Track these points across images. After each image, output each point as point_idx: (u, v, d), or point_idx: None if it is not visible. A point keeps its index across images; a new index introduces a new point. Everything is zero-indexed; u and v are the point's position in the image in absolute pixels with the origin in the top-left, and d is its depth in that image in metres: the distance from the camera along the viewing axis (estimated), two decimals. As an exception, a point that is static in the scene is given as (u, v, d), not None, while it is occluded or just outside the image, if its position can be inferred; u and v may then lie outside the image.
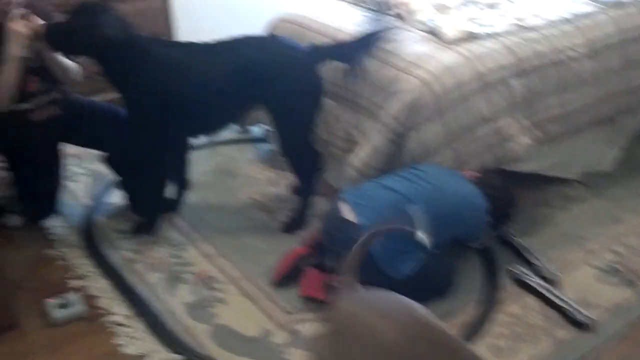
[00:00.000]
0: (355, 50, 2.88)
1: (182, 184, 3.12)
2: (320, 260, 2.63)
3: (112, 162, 3.10)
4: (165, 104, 2.71)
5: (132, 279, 2.72)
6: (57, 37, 2.65)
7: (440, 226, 2.51)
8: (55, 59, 2.82)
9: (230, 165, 3.54)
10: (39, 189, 3.02)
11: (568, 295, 2.60)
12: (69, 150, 3.41)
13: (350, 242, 2.40)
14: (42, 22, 2.67)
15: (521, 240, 2.88)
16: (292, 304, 2.58)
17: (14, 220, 3.04)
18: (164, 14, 4.17)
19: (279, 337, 2.43)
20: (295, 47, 2.84)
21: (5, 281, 2.60)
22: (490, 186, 2.71)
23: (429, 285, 2.53)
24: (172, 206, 3.11)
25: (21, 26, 2.63)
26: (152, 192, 2.98)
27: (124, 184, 3.09)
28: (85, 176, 3.42)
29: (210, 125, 2.93)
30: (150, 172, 2.91)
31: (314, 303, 2.56)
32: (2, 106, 2.70)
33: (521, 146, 2.99)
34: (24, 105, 2.80)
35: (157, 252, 2.88)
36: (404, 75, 2.86)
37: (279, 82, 2.73)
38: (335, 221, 2.53)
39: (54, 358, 2.37)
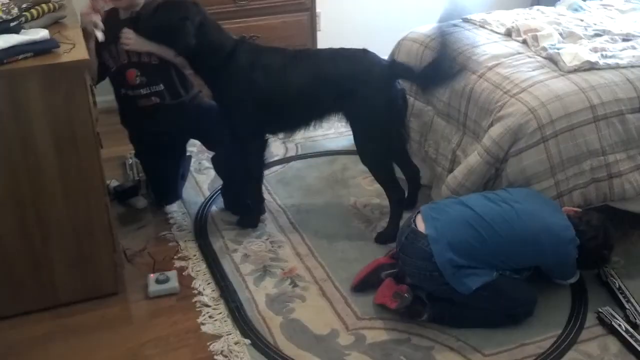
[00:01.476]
0: (428, 77, 2.98)
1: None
2: (400, 271, 2.69)
3: (214, 160, 3.37)
4: (253, 103, 2.96)
5: (227, 267, 2.94)
6: (146, 27, 2.96)
7: (515, 250, 2.49)
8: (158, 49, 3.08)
9: (344, 174, 3.67)
10: (165, 177, 3.35)
11: (656, 344, 2.45)
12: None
13: (418, 252, 2.47)
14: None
15: (621, 282, 2.75)
16: (365, 309, 2.67)
17: (141, 202, 3.39)
18: (309, 28, 4.42)
19: (345, 339, 2.52)
20: (378, 62, 2.98)
21: (119, 253, 2.94)
22: (587, 224, 2.62)
23: (499, 306, 2.51)
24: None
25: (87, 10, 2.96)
26: (251, 188, 3.21)
27: (224, 185, 3.37)
28: (212, 170, 3.69)
29: (288, 126, 3.13)
30: (248, 169, 3.15)
31: (385, 312, 2.62)
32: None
33: (632, 185, 2.85)
34: (128, 92, 3.11)
35: (256, 246, 3.08)
36: (511, 100, 2.85)
37: (358, 92, 2.89)
38: (406, 230, 2.58)
39: (142, 327, 2.63)
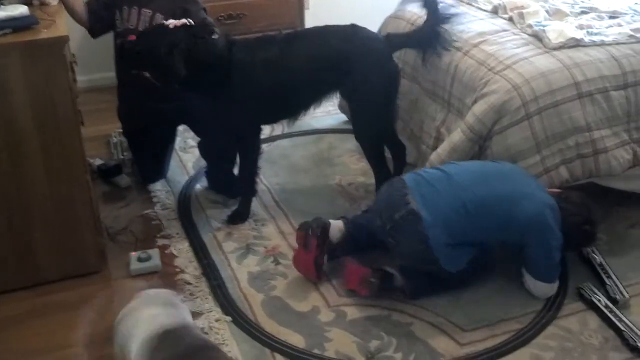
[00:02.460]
0: (428, 35, 2.99)
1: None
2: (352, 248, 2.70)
3: (201, 145, 3.36)
4: (258, 102, 2.90)
5: (210, 245, 2.94)
6: (130, 61, 2.88)
7: (498, 219, 2.52)
8: None
9: (330, 153, 3.66)
10: (151, 156, 3.34)
11: (635, 320, 2.46)
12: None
13: (414, 234, 2.47)
14: None
15: (602, 259, 2.75)
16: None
17: (124, 181, 3.38)
18: (297, 6, 4.39)
19: (326, 316, 2.53)
20: (374, 37, 2.96)
21: (102, 231, 2.94)
22: (567, 201, 2.62)
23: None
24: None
25: None
26: (249, 177, 3.11)
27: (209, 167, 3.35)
28: (197, 149, 3.67)
29: (291, 112, 3.07)
30: (247, 159, 3.09)
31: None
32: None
33: (617, 161, 2.84)
34: None
35: (239, 224, 3.07)
36: (495, 77, 2.84)
37: (357, 69, 2.86)
38: (401, 209, 2.50)
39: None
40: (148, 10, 3.05)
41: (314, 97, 3.00)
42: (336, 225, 2.71)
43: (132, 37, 2.96)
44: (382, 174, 3.08)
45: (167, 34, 2.77)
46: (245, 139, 3.07)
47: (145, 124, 3.24)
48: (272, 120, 3.21)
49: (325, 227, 2.66)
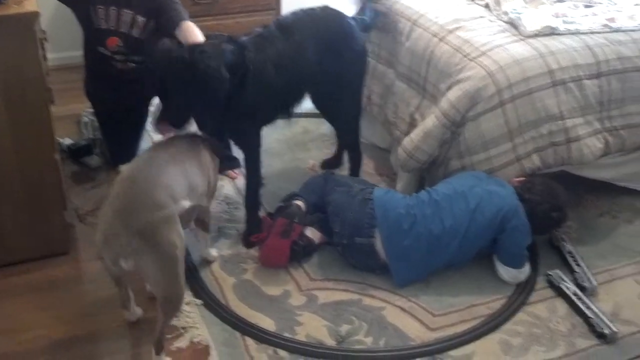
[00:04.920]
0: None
1: None
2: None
3: None
4: (271, 98, 2.79)
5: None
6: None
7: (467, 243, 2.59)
8: None
9: (304, 137, 3.65)
10: (122, 137, 3.29)
11: (603, 307, 2.49)
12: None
13: (371, 263, 2.60)
14: None
15: (571, 247, 2.78)
16: (317, 271, 2.68)
17: (95, 161, 3.34)
18: None
19: (297, 300, 2.52)
20: (351, 20, 2.97)
21: (71, 212, 2.90)
22: (531, 191, 2.65)
23: None
24: None
25: None
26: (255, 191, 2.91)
27: None
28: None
29: (288, 108, 2.99)
30: (254, 170, 2.88)
31: (338, 273, 2.65)
32: None
33: (590, 150, 2.86)
34: (105, 52, 3.04)
35: (212, 207, 3.04)
36: (470, 64, 2.83)
37: (341, 53, 2.89)
38: (364, 242, 2.59)
39: (92, 286, 2.60)
40: (129, 11, 2.99)
41: (306, 86, 2.95)
42: (302, 205, 2.75)
43: (115, 40, 2.94)
44: (359, 155, 3.15)
45: (215, 52, 2.49)
46: (253, 148, 2.85)
47: (115, 104, 3.19)
48: (274, 118, 3.02)
49: (303, 212, 2.70)
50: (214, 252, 2.73)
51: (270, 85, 2.69)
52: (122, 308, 2.38)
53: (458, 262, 2.63)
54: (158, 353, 2.19)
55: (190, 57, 2.43)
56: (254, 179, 2.87)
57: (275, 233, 2.65)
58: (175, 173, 2.32)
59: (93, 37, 3.05)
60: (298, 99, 3.00)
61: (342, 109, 3.07)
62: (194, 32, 2.74)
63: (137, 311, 2.41)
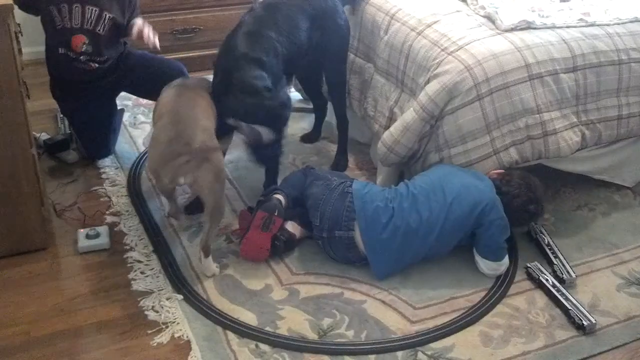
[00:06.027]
0: None
1: None
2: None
3: None
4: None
5: (161, 223, 2.89)
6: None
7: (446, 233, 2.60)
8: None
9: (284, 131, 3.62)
10: (93, 133, 3.26)
11: (581, 298, 2.52)
12: (141, 100, 3.67)
13: (352, 257, 2.62)
14: None
15: (550, 239, 2.81)
16: (299, 265, 2.68)
17: (72, 156, 3.30)
18: None
19: (278, 294, 2.52)
20: None
21: (48, 208, 2.86)
22: (508, 183, 2.67)
23: None
24: None
25: None
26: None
27: None
28: (148, 125, 3.62)
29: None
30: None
31: (319, 267, 2.66)
32: None
33: (567, 143, 2.89)
34: (69, 53, 3.02)
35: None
36: (448, 58, 2.84)
37: (329, 26, 3.07)
38: (343, 236, 2.60)
39: (70, 282, 2.57)
40: (94, 8, 2.97)
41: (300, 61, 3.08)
42: (282, 199, 2.74)
43: (81, 38, 2.93)
44: (347, 124, 3.34)
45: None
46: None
47: (81, 102, 3.17)
48: None
49: (283, 206, 2.70)
50: (213, 267, 2.64)
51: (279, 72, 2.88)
52: (172, 217, 2.85)
53: (436, 255, 2.65)
54: (207, 256, 2.56)
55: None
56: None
57: (255, 226, 2.64)
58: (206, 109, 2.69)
59: (57, 39, 3.02)
60: (290, 77, 3.11)
61: (329, 79, 3.26)
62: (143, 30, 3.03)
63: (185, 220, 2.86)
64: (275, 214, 2.65)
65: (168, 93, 2.72)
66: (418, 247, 2.58)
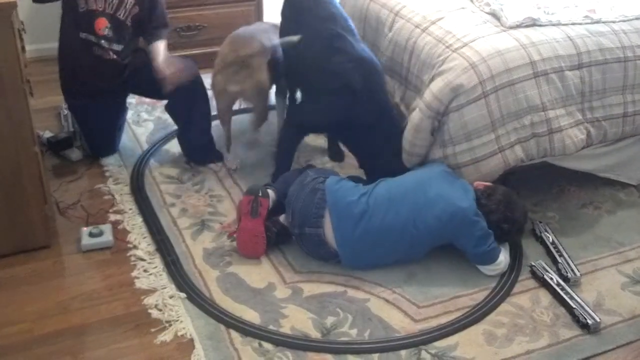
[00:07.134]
0: None
1: None
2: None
3: (170, 109, 3.29)
4: None
5: (164, 221, 2.89)
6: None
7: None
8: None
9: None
10: (100, 131, 3.26)
11: (586, 297, 2.51)
12: (144, 99, 3.67)
13: (324, 254, 2.62)
14: None
15: (554, 237, 2.79)
16: (302, 263, 2.66)
17: (75, 154, 3.30)
18: (254, 19, 4.27)
19: (282, 292, 2.51)
20: None
21: (51, 206, 2.86)
22: (489, 197, 2.64)
23: None
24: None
25: None
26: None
27: (182, 131, 3.28)
28: (151, 122, 3.62)
29: None
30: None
31: (323, 266, 2.64)
32: None
33: (572, 140, 2.87)
34: (90, 37, 3.02)
35: (194, 200, 3.03)
36: (452, 55, 2.83)
37: None
38: (313, 233, 2.60)
39: (73, 280, 2.57)
40: None
41: None
42: (272, 194, 2.74)
43: (103, 21, 2.93)
44: None
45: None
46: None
47: (93, 100, 3.16)
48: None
49: (270, 197, 2.71)
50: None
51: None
52: (224, 149, 3.28)
53: (410, 259, 2.64)
54: None
55: None
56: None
57: (245, 214, 2.64)
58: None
59: (79, 22, 3.01)
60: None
61: None
62: (160, 55, 3.11)
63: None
64: (260, 194, 2.65)
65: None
66: (390, 249, 2.58)
